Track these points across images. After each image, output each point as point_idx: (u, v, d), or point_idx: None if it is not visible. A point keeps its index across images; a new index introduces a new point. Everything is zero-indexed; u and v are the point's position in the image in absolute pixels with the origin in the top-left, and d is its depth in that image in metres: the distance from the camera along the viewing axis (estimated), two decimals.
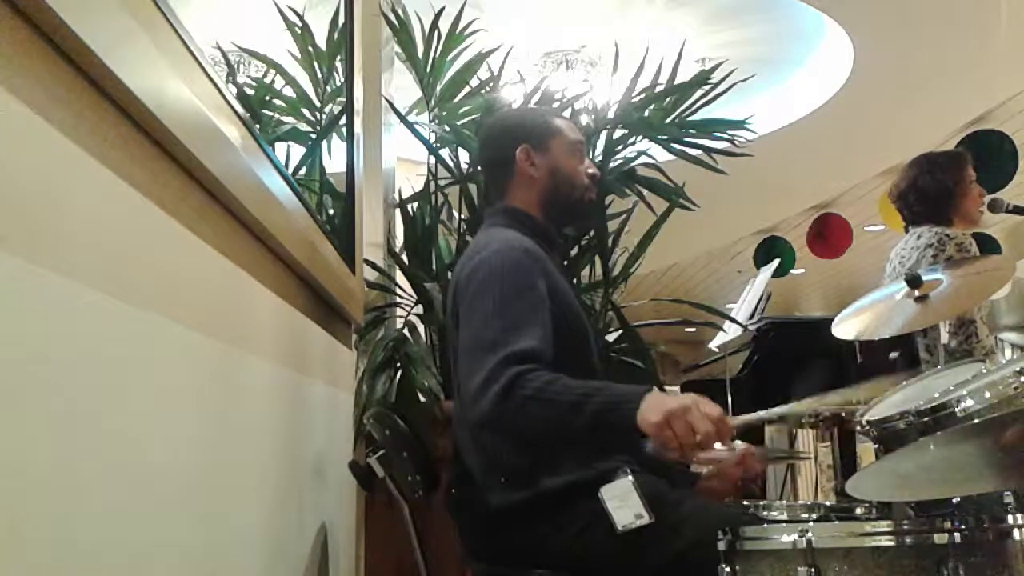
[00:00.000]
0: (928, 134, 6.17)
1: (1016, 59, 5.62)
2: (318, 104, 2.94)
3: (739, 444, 2.06)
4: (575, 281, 3.18)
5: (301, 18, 2.85)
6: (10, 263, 0.75)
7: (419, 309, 3.17)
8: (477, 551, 1.86)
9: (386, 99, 3.55)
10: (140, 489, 1.03)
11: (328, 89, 2.93)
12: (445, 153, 3.30)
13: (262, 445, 1.65)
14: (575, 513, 1.71)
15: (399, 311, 3.30)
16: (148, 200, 1.05)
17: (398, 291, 3.30)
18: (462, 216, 3.23)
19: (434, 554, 2.08)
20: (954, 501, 1.52)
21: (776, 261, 5.83)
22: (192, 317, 1.21)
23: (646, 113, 3.20)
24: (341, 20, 2.80)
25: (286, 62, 2.88)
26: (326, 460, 2.26)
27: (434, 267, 3.20)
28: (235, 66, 2.57)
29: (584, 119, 3.20)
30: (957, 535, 1.28)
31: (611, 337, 3.25)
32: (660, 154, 3.26)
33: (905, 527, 1.33)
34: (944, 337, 2.92)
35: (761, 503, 2.00)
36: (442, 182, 3.31)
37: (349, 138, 2.72)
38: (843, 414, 2.07)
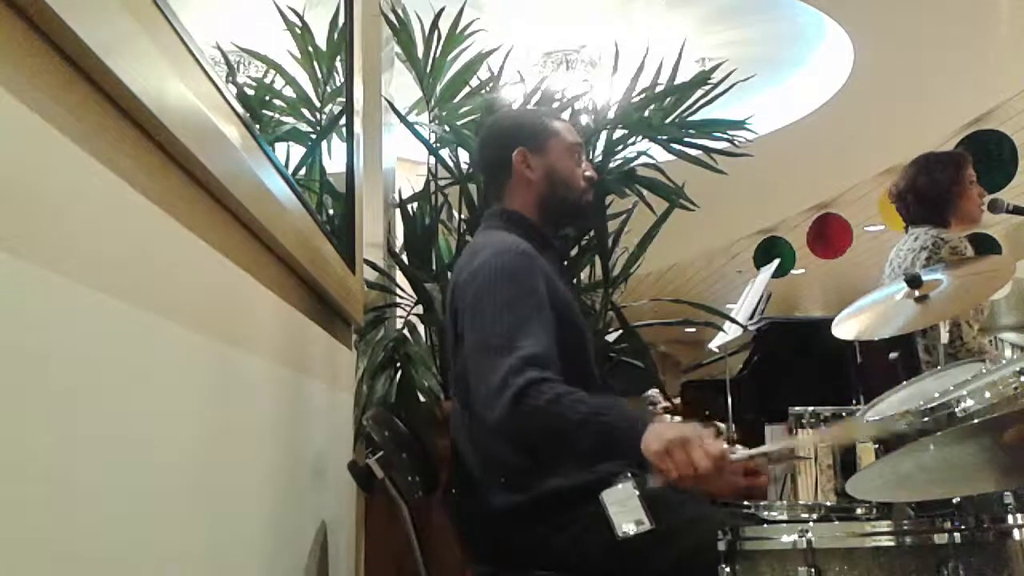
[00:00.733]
0: (928, 134, 6.17)
1: (1016, 59, 5.62)
2: (318, 104, 2.94)
3: (740, 449, 2.06)
4: (575, 281, 3.19)
5: (301, 18, 2.86)
6: (10, 263, 0.75)
7: (419, 309, 3.17)
8: (477, 552, 1.86)
9: (386, 99, 3.55)
10: (140, 489, 1.03)
11: (328, 89, 2.93)
12: (445, 153, 3.30)
13: (262, 445, 1.65)
14: (575, 515, 1.71)
15: (399, 311, 3.30)
16: (148, 200, 1.05)
17: (398, 291, 3.30)
18: (462, 216, 3.23)
19: (434, 554, 2.08)
20: (954, 501, 1.52)
21: (776, 261, 5.81)
22: (192, 317, 1.21)
23: (646, 113, 3.20)
24: (341, 20, 2.80)
25: (286, 62, 2.88)
26: (326, 460, 2.26)
27: (434, 267, 3.20)
28: (235, 66, 2.57)
29: (584, 119, 3.20)
30: (957, 535, 1.28)
31: (611, 337, 3.26)
32: (660, 154, 3.26)
33: (905, 527, 1.33)
34: (944, 337, 2.92)
35: (761, 503, 2.00)
36: (442, 182, 3.31)
37: (349, 138, 2.72)
38: (843, 414, 2.07)
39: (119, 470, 0.97)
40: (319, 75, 2.93)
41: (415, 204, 3.32)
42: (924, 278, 2.04)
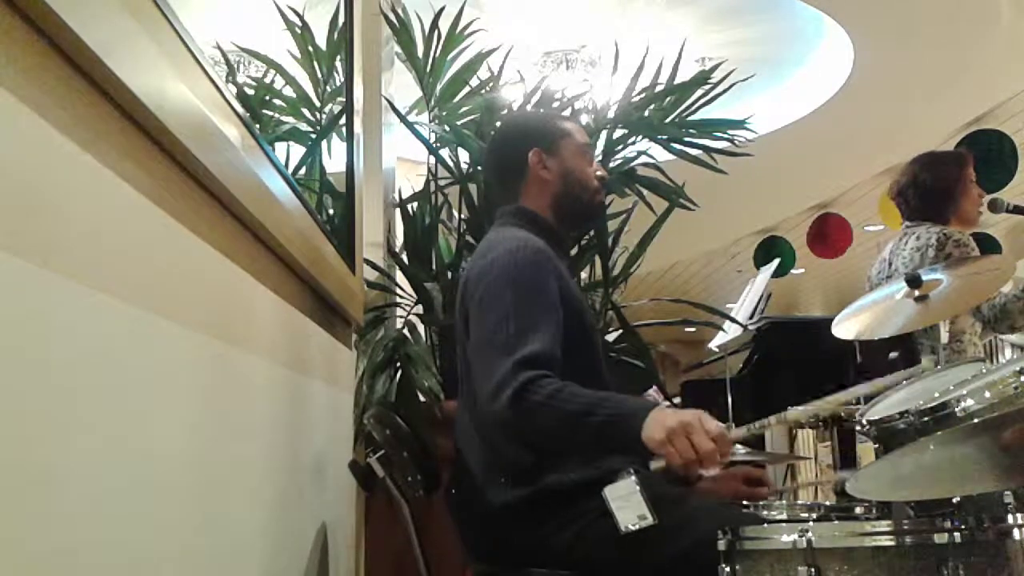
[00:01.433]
0: (928, 134, 6.17)
1: (1016, 59, 5.62)
2: (318, 104, 2.94)
3: (740, 448, 2.06)
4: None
5: (301, 18, 2.86)
6: (10, 263, 0.75)
7: (419, 309, 3.17)
8: (478, 550, 1.86)
9: (386, 99, 3.55)
10: (140, 489, 1.03)
11: (328, 89, 2.93)
12: (445, 153, 3.30)
13: (262, 445, 1.65)
14: (576, 512, 1.71)
15: (399, 311, 3.30)
16: (148, 200, 1.05)
17: (398, 291, 3.30)
18: (462, 216, 3.23)
19: (434, 554, 2.08)
20: (954, 501, 1.52)
21: (776, 261, 5.82)
22: (192, 317, 1.21)
23: (646, 113, 3.20)
24: (341, 20, 2.80)
25: (286, 62, 2.89)
26: (326, 460, 2.26)
27: (434, 267, 3.20)
28: (235, 66, 2.57)
29: (584, 119, 3.20)
30: (957, 535, 1.28)
31: (611, 337, 3.26)
32: (660, 154, 3.27)
33: (905, 527, 1.33)
34: (944, 337, 2.92)
35: (761, 503, 2.00)
36: (442, 182, 3.31)
37: (349, 138, 2.72)
38: (843, 414, 2.07)
39: (118, 470, 0.97)
40: (319, 75, 2.93)
41: (415, 204, 3.32)
42: (924, 278, 2.04)
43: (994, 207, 2.96)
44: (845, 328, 2.19)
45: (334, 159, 2.83)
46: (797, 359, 4.01)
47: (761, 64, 5.30)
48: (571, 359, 1.72)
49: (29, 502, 0.79)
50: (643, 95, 3.21)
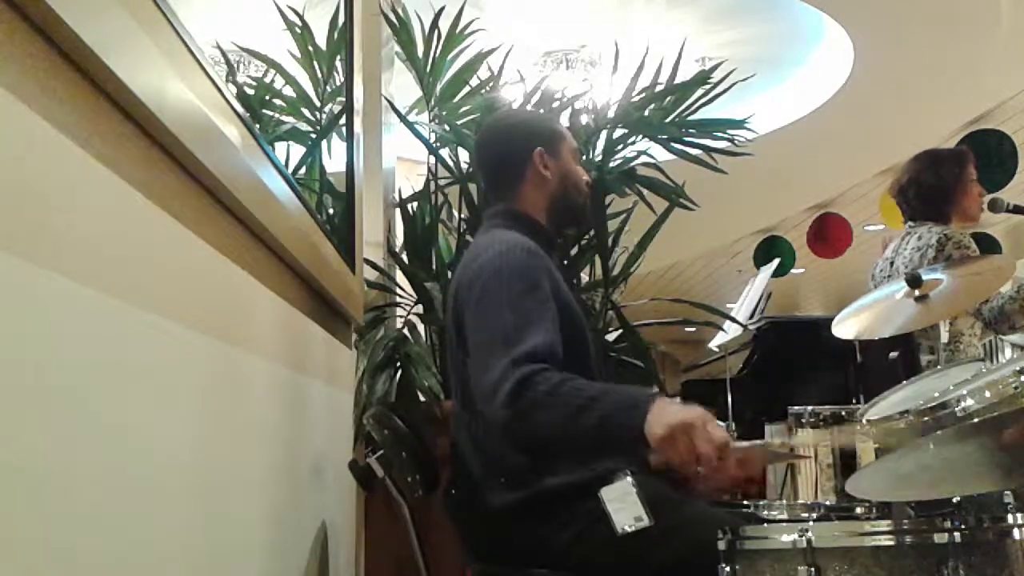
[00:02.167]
0: (928, 134, 6.17)
1: (1016, 59, 5.62)
2: (318, 104, 2.94)
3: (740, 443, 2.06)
4: (575, 281, 3.18)
5: (301, 18, 2.85)
6: (10, 263, 0.75)
7: (419, 309, 3.17)
8: (477, 551, 1.87)
9: (386, 99, 3.55)
10: (140, 489, 1.03)
11: (328, 89, 2.93)
12: (445, 153, 3.30)
13: (262, 445, 1.65)
14: (575, 513, 1.71)
15: (399, 311, 3.30)
16: (148, 200, 1.05)
17: (398, 291, 3.30)
18: (462, 216, 3.23)
19: (434, 554, 2.08)
20: (954, 501, 1.52)
21: (776, 261, 5.81)
22: (192, 317, 1.21)
23: (646, 113, 3.20)
24: (341, 20, 2.80)
25: (286, 62, 2.88)
26: (326, 460, 2.26)
27: (434, 267, 3.20)
28: (235, 66, 2.57)
29: (584, 119, 3.20)
30: (957, 535, 1.28)
31: (611, 337, 3.25)
32: (660, 154, 3.26)
33: (905, 527, 1.33)
34: (944, 337, 2.92)
35: (761, 503, 2.00)
36: (442, 182, 3.31)
37: (349, 138, 2.72)
38: (843, 414, 2.07)
39: (118, 469, 0.97)
40: (319, 75, 2.93)
41: (415, 204, 3.32)
42: (924, 278, 2.04)
43: (994, 207, 2.96)
44: (845, 328, 2.19)
45: (334, 159, 2.83)
46: (797, 359, 4.01)
47: (761, 64, 5.30)
48: (563, 358, 1.72)
49: (29, 502, 0.79)
50: (643, 95, 3.21)
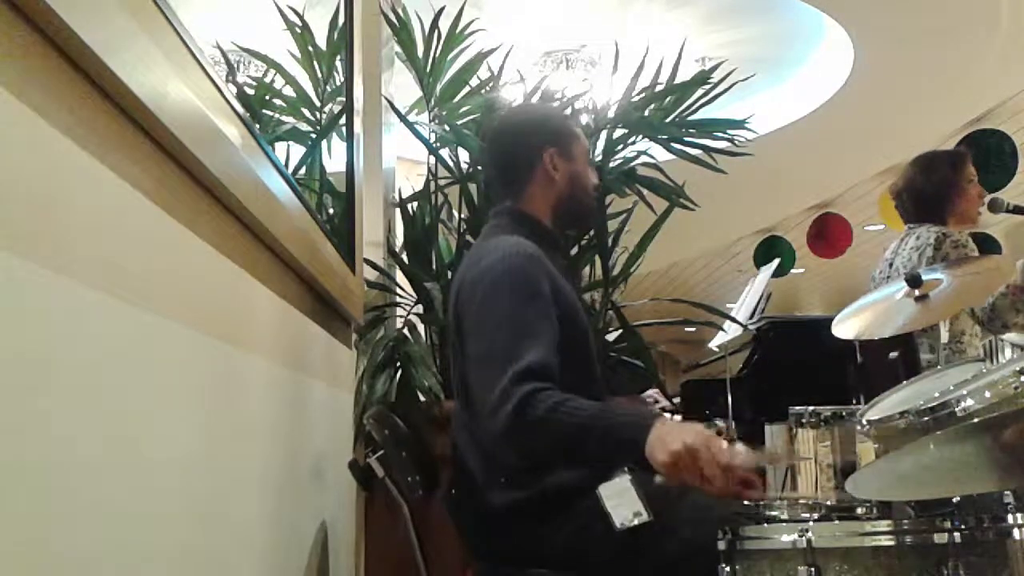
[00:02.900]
0: (928, 134, 6.18)
1: (1016, 59, 5.62)
2: (318, 104, 2.94)
3: (740, 447, 2.06)
4: (577, 281, 3.19)
5: (301, 18, 2.85)
6: (10, 263, 0.75)
7: (419, 309, 3.17)
8: (477, 550, 1.87)
9: (386, 99, 3.55)
10: (139, 489, 1.03)
11: (328, 89, 2.93)
12: (445, 153, 3.30)
13: (262, 445, 1.65)
14: (575, 512, 1.71)
15: (399, 311, 3.30)
16: (148, 200, 1.05)
17: (398, 291, 3.30)
18: (462, 216, 3.23)
19: (434, 553, 2.08)
20: (954, 501, 1.52)
21: (776, 261, 5.80)
22: (192, 317, 1.21)
23: (646, 113, 3.20)
24: (341, 20, 2.80)
25: (286, 62, 2.88)
26: (326, 460, 2.26)
27: (434, 267, 3.20)
28: (235, 66, 2.57)
29: (584, 119, 3.20)
30: (957, 535, 1.28)
31: (611, 337, 3.26)
32: (660, 154, 3.27)
33: (905, 527, 1.33)
34: (944, 337, 2.92)
35: (761, 502, 2.00)
36: (442, 182, 3.31)
37: (349, 138, 2.72)
38: (843, 414, 2.07)
39: (118, 470, 0.97)
40: (319, 75, 2.93)
41: (415, 204, 3.32)
42: (924, 278, 2.04)
43: (994, 207, 2.96)
44: (845, 328, 2.19)
45: (334, 159, 2.83)
46: (797, 359, 4.01)
47: (761, 64, 5.30)
48: (564, 360, 1.72)
49: (28, 502, 0.79)
50: (643, 95, 3.21)
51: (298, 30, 2.85)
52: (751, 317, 4.40)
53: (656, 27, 5.35)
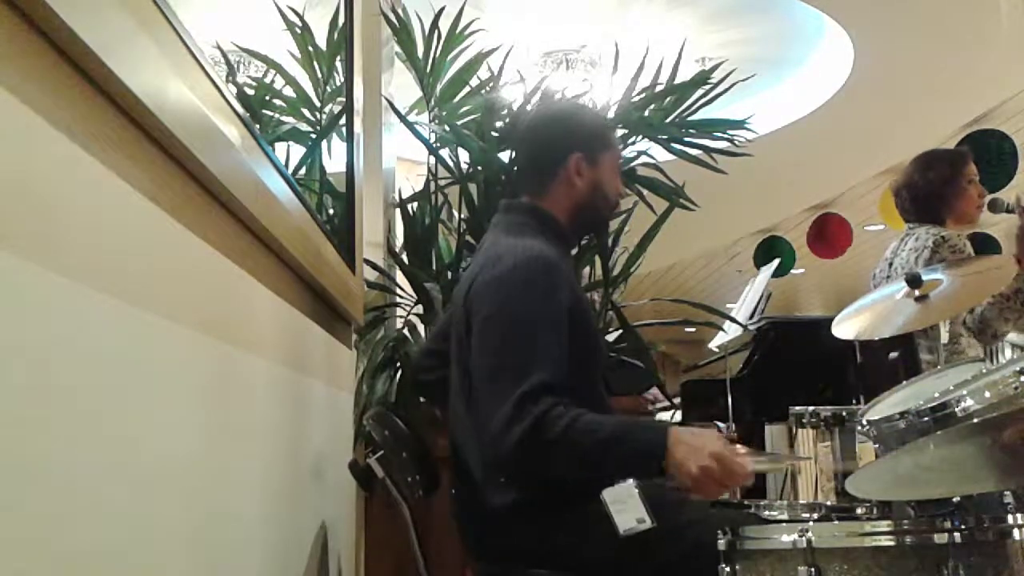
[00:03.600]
0: (928, 134, 6.17)
1: (1016, 59, 5.61)
2: (318, 104, 2.94)
3: (740, 448, 2.06)
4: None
5: (301, 18, 2.86)
6: (10, 263, 0.75)
7: (419, 309, 3.17)
8: (478, 550, 1.86)
9: (386, 99, 3.55)
10: (139, 489, 1.03)
11: (328, 89, 2.93)
12: (445, 153, 3.30)
13: (262, 445, 1.65)
14: (576, 513, 1.71)
15: (399, 311, 3.30)
16: (148, 200, 1.05)
17: (398, 291, 3.30)
18: (462, 216, 3.23)
19: (434, 554, 2.08)
20: (954, 501, 1.52)
21: (776, 261, 5.81)
22: (192, 317, 1.21)
23: (646, 113, 3.20)
24: (341, 20, 2.80)
25: (286, 62, 2.88)
26: (326, 460, 2.26)
27: (434, 267, 3.21)
28: (235, 66, 2.57)
29: None
30: (957, 535, 1.28)
31: (611, 337, 3.26)
32: (660, 154, 3.27)
33: (905, 527, 1.33)
34: (944, 337, 2.91)
35: (762, 503, 2.00)
36: (442, 182, 3.31)
37: (349, 138, 2.72)
38: (843, 414, 2.07)
39: (118, 470, 0.97)
40: (319, 75, 2.93)
41: (415, 204, 3.33)
42: (924, 278, 2.04)
43: (994, 207, 2.96)
44: (845, 328, 2.19)
45: (334, 159, 2.83)
46: (797, 359, 4.01)
47: (761, 64, 5.30)
48: (571, 368, 1.71)
49: (27, 502, 0.79)
50: (643, 95, 3.21)
51: (298, 30, 2.86)
52: (751, 317, 4.40)
53: (656, 27, 5.35)
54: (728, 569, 1.39)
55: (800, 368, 3.88)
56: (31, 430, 0.79)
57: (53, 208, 0.83)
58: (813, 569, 1.30)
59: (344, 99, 2.78)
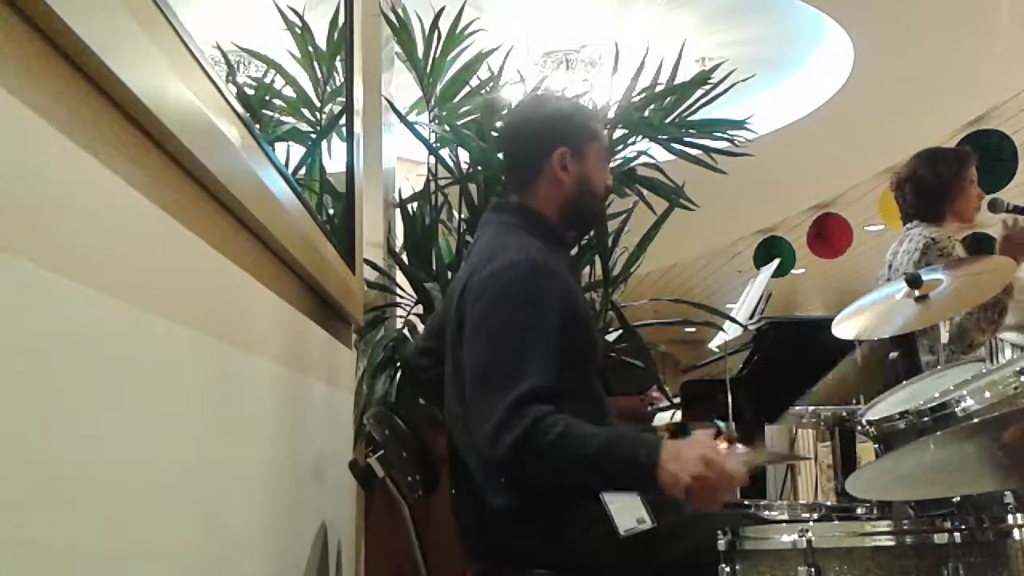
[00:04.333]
0: (928, 134, 6.17)
1: (1016, 59, 5.62)
2: (318, 104, 2.95)
3: (740, 448, 2.06)
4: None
5: (301, 18, 2.86)
6: (10, 263, 0.75)
7: (419, 309, 3.17)
8: (477, 551, 1.86)
9: (386, 99, 3.55)
10: (139, 489, 1.03)
11: (328, 89, 2.94)
12: (445, 153, 3.30)
13: (262, 445, 1.65)
14: (576, 514, 1.71)
15: (399, 311, 3.31)
16: (148, 200, 1.05)
17: (398, 291, 3.30)
18: (462, 216, 3.23)
19: (434, 554, 2.08)
20: (954, 501, 1.52)
21: (776, 261, 5.80)
22: (192, 317, 1.21)
23: (646, 113, 3.20)
24: (341, 20, 2.80)
25: (286, 62, 2.89)
26: (326, 460, 2.26)
27: (434, 267, 3.20)
28: (235, 66, 2.57)
29: None
30: (957, 535, 1.28)
31: (611, 337, 3.26)
32: (660, 154, 3.27)
33: (905, 527, 1.33)
34: (944, 337, 2.91)
35: (762, 503, 2.00)
36: (442, 182, 3.31)
37: (349, 138, 2.72)
38: (843, 414, 2.08)
39: (118, 470, 0.97)
40: (319, 75, 2.94)
41: (415, 204, 3.33)
42: (924, 278, 2.04)
43: (994, 207, 2.95)
44: (845, 328, 2.19)
45: (334, 159, 2.83)
46: (797, 359, 4.01)
47: (761, 64, 5.30)
48: (568, 365, 1.70)
49: (27, 502, 0.79)
50: (643, 95, 3.21)
51: (298, 30, 2.86)
52: (751, 317, 4.41)
53: (656, 27, 5.35)
54: (728, 569, 1.39)
55: (800, 368, 3.88)
56: (31, 430, 0.79)
57: (53, 208, 0.83)
58: (813, 569, 1.30)
59: (344, 99, 2.79)
